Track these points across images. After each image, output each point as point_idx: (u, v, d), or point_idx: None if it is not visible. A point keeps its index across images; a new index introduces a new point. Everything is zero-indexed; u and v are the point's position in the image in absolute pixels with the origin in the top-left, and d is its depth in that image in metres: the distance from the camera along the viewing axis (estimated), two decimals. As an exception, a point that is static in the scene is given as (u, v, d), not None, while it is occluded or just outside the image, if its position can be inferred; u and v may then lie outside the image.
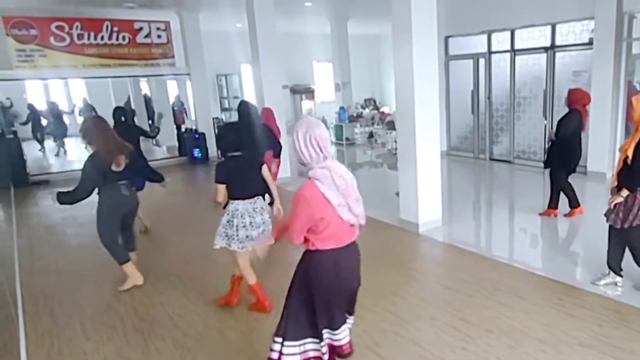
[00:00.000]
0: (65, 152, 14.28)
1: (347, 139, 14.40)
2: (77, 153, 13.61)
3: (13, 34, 10.43)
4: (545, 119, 9.21)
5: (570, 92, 5.97)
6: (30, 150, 13.36)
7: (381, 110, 16.69)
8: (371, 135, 14.95)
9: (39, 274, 5.49)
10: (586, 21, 8.36)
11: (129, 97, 14.69)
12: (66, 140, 14.26)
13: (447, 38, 10.74)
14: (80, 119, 14.03)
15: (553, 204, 6.31)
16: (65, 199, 4.46)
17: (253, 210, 4.02)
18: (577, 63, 8.73)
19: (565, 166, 6.04)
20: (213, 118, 12.88)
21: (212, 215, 4.61)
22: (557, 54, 9.00)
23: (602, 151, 8.11)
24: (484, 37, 10.18)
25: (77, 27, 11.09)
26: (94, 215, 4.64)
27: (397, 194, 7.99)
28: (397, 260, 5.30)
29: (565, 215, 6.32)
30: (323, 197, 2.43)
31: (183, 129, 14.24)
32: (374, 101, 17.86)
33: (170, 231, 6.79)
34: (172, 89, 15.67)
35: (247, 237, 4.00)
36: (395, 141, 11.28)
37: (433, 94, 6.01)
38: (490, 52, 10.18)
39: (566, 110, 5.95)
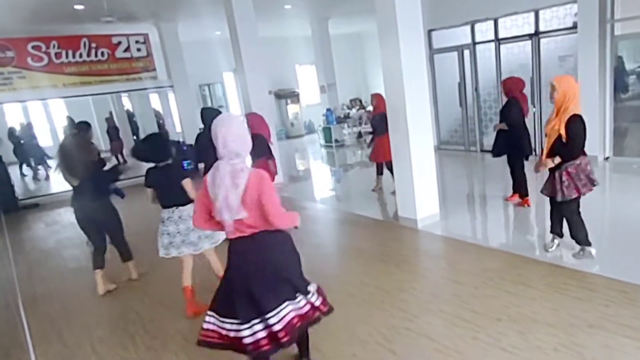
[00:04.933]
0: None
1: (336, 140, 14.38)
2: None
3: (-11, 57, 10.21)
4: (534, 106, 9.14)
5: (505, 82, 6.24)
6: (17, 174, 13.16)
7: (367, 109, 16.69)
8: (360, 135, 14.94)
9: (42, 299, 5.39)
10: (569, 5, 8.36)
11: (110, 114, 14.55)
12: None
13: (430, 32, 10.69)
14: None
15: (523, 191, 6.39)
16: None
17: (167, 219, 4.29)
18: (563, 48, 8.73)
19: (521, 155, 6.19)
20: (200, 129, 12.76)
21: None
22: (542, 40, 8.99)
23: (593, 134, 7.92)
24: (467, 28, 10.16)
25: (54, 46, 10.95)
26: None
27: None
28: (400, 257, 5.29)
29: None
30: None
31: (168, 142, 14.02)
32: (360, 101, 17.83)
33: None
34: (156, 103, 15.57)
35: (170, 243, 4.30)
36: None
37: (423, 89, 5.98)
38: (474, 43, 10.15)
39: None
